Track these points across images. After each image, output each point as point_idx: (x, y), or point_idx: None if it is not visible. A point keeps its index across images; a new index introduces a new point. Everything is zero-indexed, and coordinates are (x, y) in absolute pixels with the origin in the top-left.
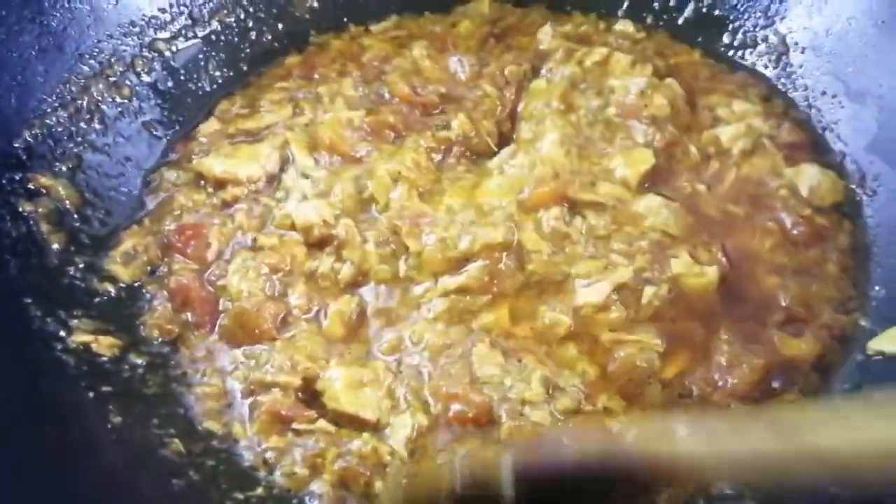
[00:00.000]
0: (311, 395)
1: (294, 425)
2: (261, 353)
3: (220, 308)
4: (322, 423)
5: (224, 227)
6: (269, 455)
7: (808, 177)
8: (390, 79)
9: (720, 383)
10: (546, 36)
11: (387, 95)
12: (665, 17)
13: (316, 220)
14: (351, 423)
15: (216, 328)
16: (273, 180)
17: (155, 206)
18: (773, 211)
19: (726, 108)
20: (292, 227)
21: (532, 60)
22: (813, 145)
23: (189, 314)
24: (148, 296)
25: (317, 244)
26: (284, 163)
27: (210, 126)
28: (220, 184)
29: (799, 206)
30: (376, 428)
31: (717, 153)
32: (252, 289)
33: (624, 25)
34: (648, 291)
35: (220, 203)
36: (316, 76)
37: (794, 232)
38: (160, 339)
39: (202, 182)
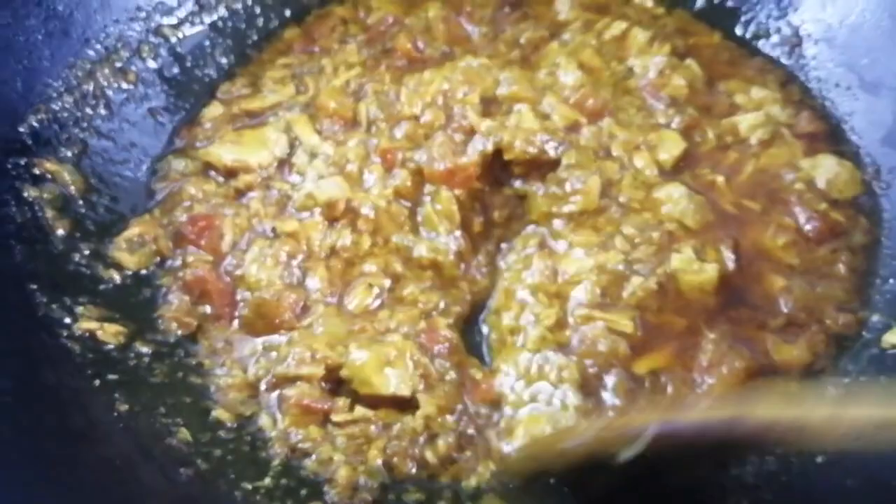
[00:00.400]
0: (335, 383)
1: (333, 418)
2: (280, 345)
3: (238, 298)
4: (361, 411)
5: (238, 216)
6: (302, 445)
7: (826, 169)
8: (398, 33)
9: (698, 382)
10: (564, 5)
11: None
12: (678, 7)
13: (339, 194)
14: (385, 403)
15: (235, 319)
16: (284, 164)
17: (164, 197)
18: (788, 205)
19: (744, 95)
20: (315, 206)
21: (550, 29)
22: (831, 136)
23: (207, 306)
24: (164, 289)
25: (335, 219)
26: (293, 145)
27: (213, 110)
28: (231, 172)
29: (815, 201)
30: (411, 402)
31: (735, 142)
32: (271, 277)
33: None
34: (635, 282)
35: (232, 192)
36: (317, 49)
37: (808, 227)
38: (179, 333)
39: (211, 172)
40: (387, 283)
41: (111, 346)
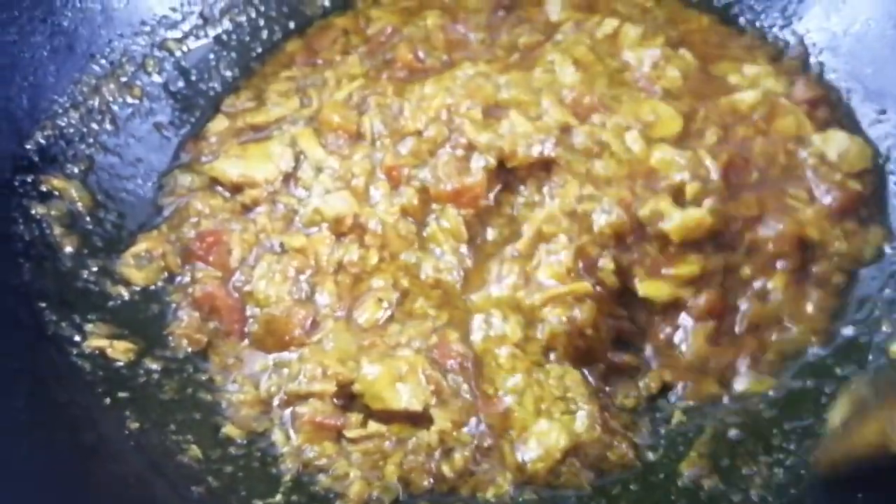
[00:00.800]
0: (347, 398)
1: (346, 434)
2: (291, 361)
3: (248, 314)
4: (374, 426)
5: (246, 232)
6: (318, 462)
7: (837, 143)
8: (398, 44)
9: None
10: (555, 6)
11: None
12: None
13: (347, 209)
14: (398, 417)
15: (245, 335)
16: (289, 178)
17: (171, 212)
18: (802, 181)
19: (738, 74)
20: (322, 221)
21: (543, 31)
22: (831, 102)
23: (216, 322)
24: (173, 305)
25: (343, 234)
26: (298, 159)
27: (219, 124)
28: (237, 188)
29: (830, 174)
30: (425, 417)
31: (738, 121)
32: (280, 293)
33: None
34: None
35: (239, 208)
36: (319, 61)
37: (828, 200)
38: (189, 349)
39: (218, 187)
40: (395, 296)
41: (121, 364)
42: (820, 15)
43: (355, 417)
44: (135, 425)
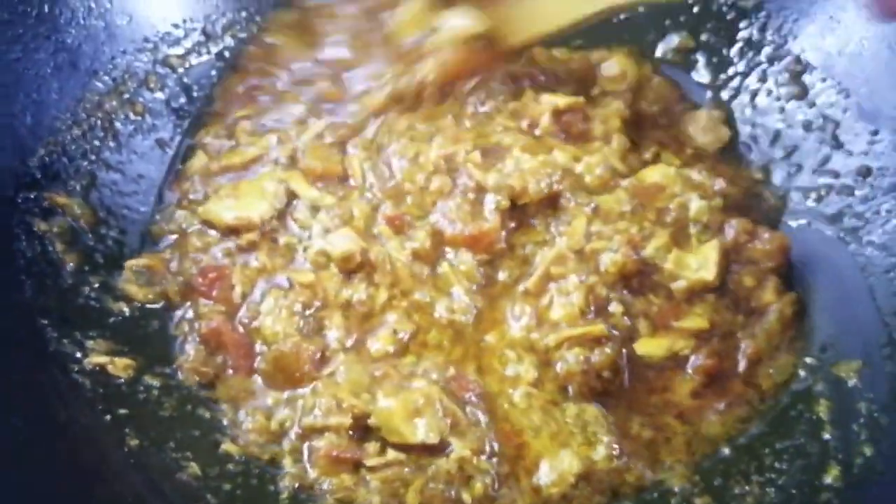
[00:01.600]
0: (363, 430)
1: (366, 463)
2: (304, 396)
3: (256, 351)
4: (393, 454)
5: (247, 268)
6: (339, 495)
7: None
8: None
9: None
10: None
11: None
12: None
13: (353, 247)
14: (414, 449)
15: (254, 371)
16: (283, 216)
17: (170, 244)
18: None
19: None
20: (327, 261)
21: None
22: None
23: (223, 356)
24: (179, 339)
25: (352, 272)
26: (291, 196)
27: (198, 162)
28: (234, 230)
29: None
30: (442, 447)
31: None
32: (287, 329)
33: None
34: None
35: (236, 248)
36: (261, 97)
37: None
38: (198, 382)
39: (211, 231)
40: (411, 330)
41: (121, 380)
42: (815, 34)
43: (373, 447)
44: (134, 443)
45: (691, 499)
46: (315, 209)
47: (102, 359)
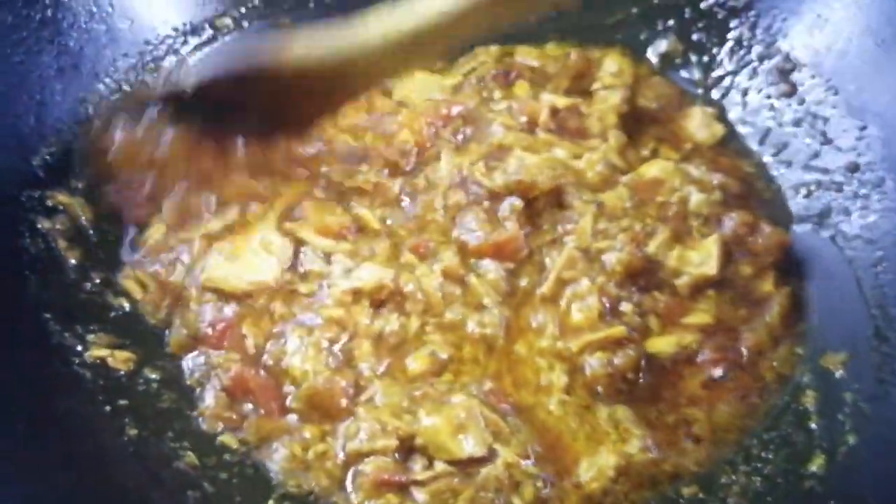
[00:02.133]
0: (408, 451)
1: (416, 478)
2: (346, 427)
3: (285, 391)
4: (441, 466)
5: (261, 320)
6: None
7: None
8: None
9: None
10: None
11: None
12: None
13: (385, 277)
14: (462, 463)
15: (286, 410)
16: (292, 266)
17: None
18: None
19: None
20: (356, 299)
21: None
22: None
23: (250, 403)
24: (197, 390)
25: (381, 304)
26: (297, 245)
27: (156, 232)
28: (248, 295)
29: None
30: (489, 458)
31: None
32: (316, 367)
33: None
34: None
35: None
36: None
37: None
38: (221, 429)
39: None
40: (450, 352)
41: (121, 373)
42: (804, 33)
43: (420, 463)
44: (133, 433)
45: (679, 488)
46: (328, 254)
47: (103, 352)
